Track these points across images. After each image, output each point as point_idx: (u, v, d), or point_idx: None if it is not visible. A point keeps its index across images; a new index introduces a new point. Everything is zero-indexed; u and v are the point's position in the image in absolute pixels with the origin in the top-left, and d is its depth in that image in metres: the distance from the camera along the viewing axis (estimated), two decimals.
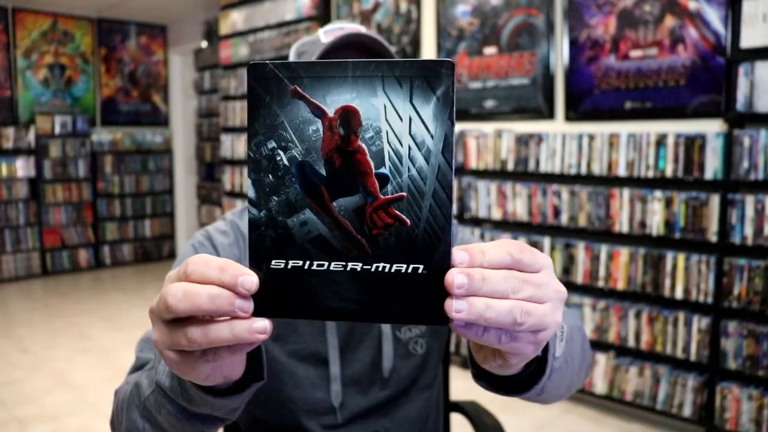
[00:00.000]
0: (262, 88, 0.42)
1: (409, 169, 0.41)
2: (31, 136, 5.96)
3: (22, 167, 5.93)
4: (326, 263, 0.42)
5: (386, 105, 0.41)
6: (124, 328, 4.44)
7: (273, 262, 0.42)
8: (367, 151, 0.41)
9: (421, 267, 0.41)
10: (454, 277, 0.40)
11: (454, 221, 1.09)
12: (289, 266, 0.42)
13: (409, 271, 0.41)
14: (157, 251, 6.92)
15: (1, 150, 5.82)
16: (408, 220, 0.41)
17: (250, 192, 0.42)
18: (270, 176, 0.42)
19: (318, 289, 0.42)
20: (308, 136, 0.42)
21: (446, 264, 0.41)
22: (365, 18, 4.12)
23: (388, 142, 0.41)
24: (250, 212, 0.42)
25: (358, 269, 0.41)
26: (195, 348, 0.42)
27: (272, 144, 0.42)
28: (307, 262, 0.42)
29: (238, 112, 5.03)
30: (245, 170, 5.00)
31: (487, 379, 0.57)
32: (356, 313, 0.42)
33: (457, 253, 0.41)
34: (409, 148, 0.41)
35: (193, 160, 6.96)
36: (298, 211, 0.42)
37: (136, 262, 6.73)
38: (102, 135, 6.50)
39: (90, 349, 3.98)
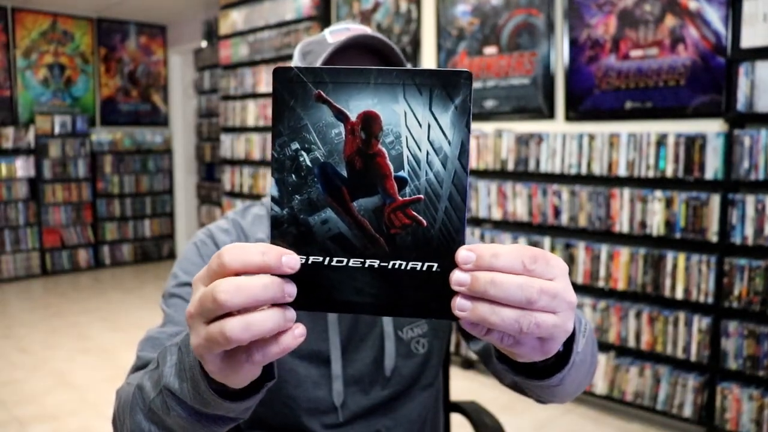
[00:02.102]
0: (287, 92, 0.43)
1: (426, 173, 0.43)
2: (30, 136, 5.96)
3: (22, 167, 5.93)
4: (345, 260, 0.44)
5: (406, 111, 0.43)
6: (123, 328, 4.43)
7: None
8: (387, 155, 0.43)
9: (436, 265, 0.43)
10: (454, 276, 0.42)
11: None
12: (310, 261, 0.44)
13: (424, 269, 0.43)
14: (157, 251, 6.91)
15: (0, 150, 5.81)
16: (424, 221, 0.43)
17: (273, 190, 0.44)
18: (293, 176, 0.44)
19: (336, 284, 0.44)
20: (331, 139, 0.43)
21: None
22: (365, 18, 4.12)
23: (408, 146, 0.43)
24: (272, 209, 0.44)
25: (376, 266, 0.43)
26: (231, 345, 0.42)
27: (296, 145, 0.44)
28: (327, 259, 0.44)
29: (237, 112, 5.03)
30: (245, 170, 5.00)
31: (508, 363, 0.57)
32: (372, 306, 0.44)
33: (463, 253, 0.42)
34: (427, 153, 0.43)
35: (193, 160, 6.96)
36: (319, 210, 0.44)
37: (135, 262, 6.73)
38: (102, 135, 6.49)
39: (90, 349, 3.97)
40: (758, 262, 2.45)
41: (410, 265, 0.43)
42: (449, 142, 0.43)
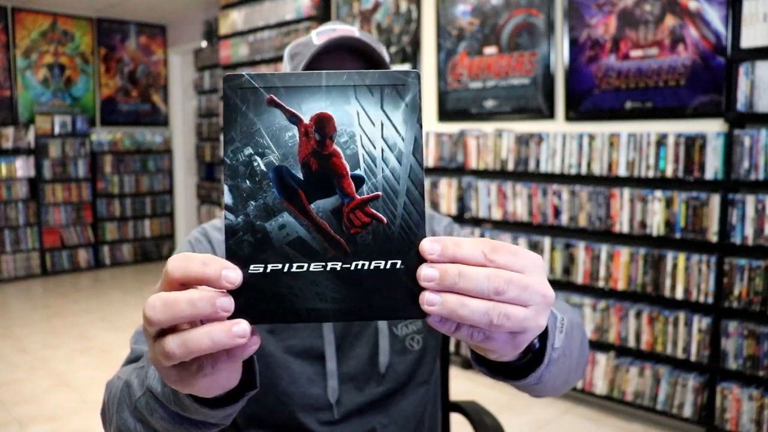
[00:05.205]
0: (238, 98, 0.43)
1: (383, 170, 0.43)
2: (30, 136, 5.95)
3: (22, 167, 5.93)
4: (306, 264, 0.42)
5: (359, 111, 0.43)
6: (123, 328, 4.43)
7: (251, 267, 0.42)
8: (342, 155, 0.43)
9: (399, 262, 0.42)
10: (423, 271, 0.41)
11: (449, 220, 1.10)
12: (268, 270, 0.42)
13: (388, 266, 0.42)
14: (157, 251, 6.91)
15: (0, 150, 5.81)
16: (384, 218, 0.42)
17: (227, 198, 0.42)
18: (247, 182, 0.43)
19: (298, 291, 0.42)
20: (284, 142, 0.43)
21: (422, 258, 0.42)
22: (365, 18, 4.11)
23: (362, 145, 0.43)
24: (226, 218, 0.42)
25: (338, 268, 0.42)
26: (175, 361, 0.41)
27: (249, 150, 0.43)
28: (287, 265, 0.42)
29: None
30: None
31: (486, 365, 0.57)
32: (337, 312, 0.42)
33: (428, 243, 0.42)
34: (382, 150, 0.43)
35: (193, 160, 6.96)
36: (276, 215, 0.43)
37: (135, 263, 6.73)
38: (102, 135, 6.49)
39: (89, 349, 3.97)
40: (758, 262, 2.45)
41: (373, 264, 0.42)
42: (403, 139, 0.43)
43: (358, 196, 0.43)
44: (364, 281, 0.42)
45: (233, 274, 0.40)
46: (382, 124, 0.43)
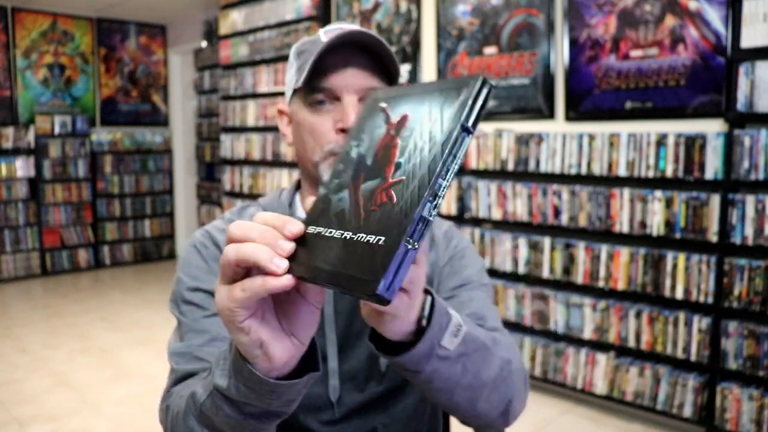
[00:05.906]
0: (368, 106, 0.56)
1: (415, 158, 0.46)
2: (30, 136, 5.95)
3: (22, 167, 5.93)
4: (334, 231, 0.48)
5: (427, 110, 0.49)
6: (123, 328, 4.43)
7: (309, 228, 0.50)
8: (398, 145, 0.49)
9: (384, 239, 0.44)
10: None
11: (450, 224, 1.08)
12: (315, 231, 0.50)
13: (373, 241, 0.44)
14: (157, 251, 6.91)
15: (0, 150, 5.81)
16: (395, 198, 0.45)
17: (326, 175, 0.56)
18: (341, 164, 0.53)
19: (318, 252, 0.48)
20: (374, 137, 0.52)
21: (399, 239, 0.42)
22: (365, 18, 4.11)
23: (414, 137, 0.48)
24: (319, 190, 0.54)
25: (347, 237, 0.47)
26: (231, 264, 0.49)
27: (353, 142, 0.54)
28: (326, 230, 0.49)
29: (237, 112, 5.02)
30: (245, 170, 5.01)
31: (376, 342, 0.64)
32: (326, 275, 0.45)
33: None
34: (425, 141, 0.47)
35: (193, 160, 6.95)
36: (341, 191, 0.51)
37: (135, 263, 6.73)
38: (101, 135, 6.49)
39: (89, 349, 3.97)
40: (758, 262, 2.45)
41: (367, 237, 0.45)
42: (441, 131, 0.45)
43: (390, 180, 0.47)
44: (354, 251, 0.45)
45: (295, 225, 0.50)
46: (435, 120, 0.47)
